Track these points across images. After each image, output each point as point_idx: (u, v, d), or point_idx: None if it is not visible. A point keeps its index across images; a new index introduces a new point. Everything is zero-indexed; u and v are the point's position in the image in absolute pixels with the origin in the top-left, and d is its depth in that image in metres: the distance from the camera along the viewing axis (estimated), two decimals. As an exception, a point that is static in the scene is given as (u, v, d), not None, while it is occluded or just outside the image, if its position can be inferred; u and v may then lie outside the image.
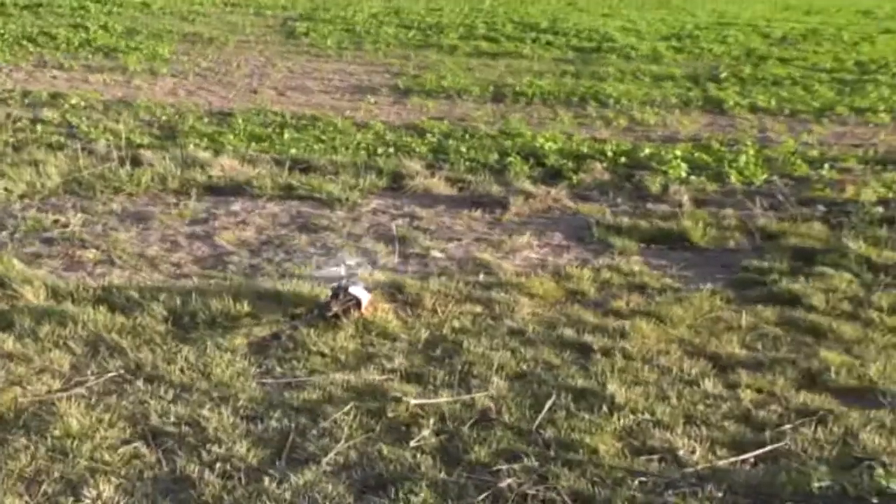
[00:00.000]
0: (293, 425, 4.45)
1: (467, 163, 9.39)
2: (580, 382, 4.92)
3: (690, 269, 6.77)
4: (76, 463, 4.10)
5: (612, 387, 4.85)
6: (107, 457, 4.14)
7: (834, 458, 4.30)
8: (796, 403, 4.78)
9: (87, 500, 3.87)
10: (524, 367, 5.11)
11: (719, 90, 14.07)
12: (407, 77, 14.74)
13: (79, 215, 7.56)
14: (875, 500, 3.96)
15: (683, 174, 9.04)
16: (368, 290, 5.82)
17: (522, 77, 14.83)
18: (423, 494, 3.94)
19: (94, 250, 6.81)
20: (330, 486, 3.98)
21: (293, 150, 9.68)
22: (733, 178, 8.99)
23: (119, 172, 8.57)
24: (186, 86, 13.71)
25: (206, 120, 11.19)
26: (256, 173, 8.75)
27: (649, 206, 8.22)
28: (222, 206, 8.02)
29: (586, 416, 4.57)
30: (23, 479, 4.00)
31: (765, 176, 9.09)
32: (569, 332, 5.54)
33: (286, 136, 10.40)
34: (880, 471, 4.13)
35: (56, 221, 7.40)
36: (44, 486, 3.96)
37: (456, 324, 5.65)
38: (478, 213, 7.98)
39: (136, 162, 9.00)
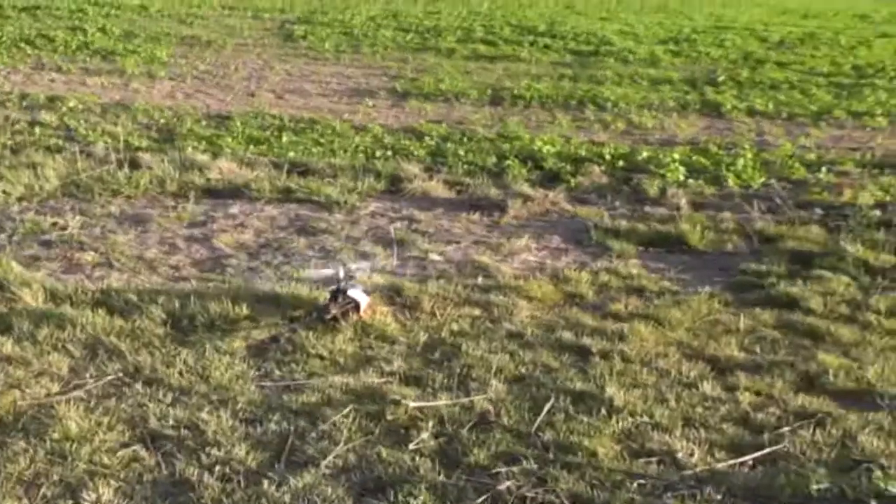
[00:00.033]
0: (292, 428, 4.45)
1: (465, 166, 9.40)
2: (579, 385, 4.92)
3: (688, 273, 6.77)
4: (75, 466, 4.09)
5: (610, 389, 4.85)
6: (106, 460, 4.14)
7: (832, 460, 4.31)
8: (795, 406, 4.79)
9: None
10: (523, 369, 5.12)
11: (717, 94, 14.10)
12: (405, 80, 14.76)
13: (77, 218, 7.56)
14: (873, 503, 3.97)
15: (681, 177, 9.05)
16: (367, 292, 5.82)
17: (520, 80, 14.85)
18: (422, 497, 3.94)
19: (92, 253, 6.81)
20: (329, 489, 3.98)
21: (291, 153, 9.69)
22: (731, 181, 9.00)
23: (117, 175, 8.57)
24: (184, 89, 13.72)
25: (204, 123, 11.19)
26: (255, 176, 8.75)
27: (647, 209, 8.23)
28: (220, 208, 8.02)
29: (585, 419, 4.57)
30: (22, 483, 3.99)
31: (762, 179, 9.10)
32: (567, 335, 5.54)
33: (284, 139, 10.40)
34: (879, 473, 4.13)
35: (54, 224, 7.40)
36: (43, 490, 3.95)
37: (454, 327, 5.65)
38: (476, 217, 7.98)
39: (135, 165, 9.00)
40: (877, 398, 4.90)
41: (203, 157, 9.28)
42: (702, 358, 5.33)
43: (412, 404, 4.64)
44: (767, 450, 4.37)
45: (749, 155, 9.88)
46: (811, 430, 4.54)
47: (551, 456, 4.26)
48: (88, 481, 3.98)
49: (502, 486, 4.02)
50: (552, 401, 4.73)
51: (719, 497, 4.00)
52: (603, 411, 4.64)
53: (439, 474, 4.11)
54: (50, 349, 5.17)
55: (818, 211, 8.19)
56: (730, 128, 11.99)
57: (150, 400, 4.67)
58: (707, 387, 4.96)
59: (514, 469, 4.15)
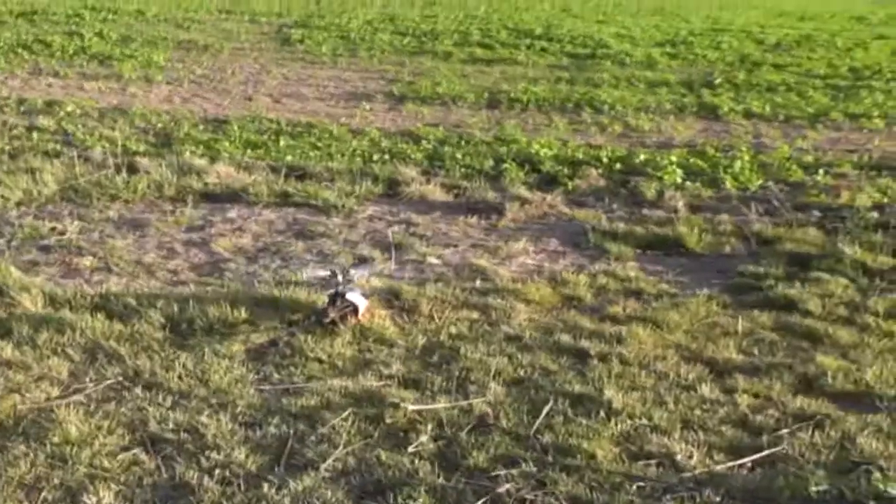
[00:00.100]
0: (291, 431, 4.46)
1: (463, 169, 9.41)
2: (577, 388, 4.93)
3: (686, 275, 6.78)
4: (75, 470, 4.10)
5: (609, 392, 4.86)
6: (106, 463, 4.14)
7: (831, 462, 4.32)
8: (793, 408, 4.80)
9: (87, 507, 3.89)
10: (521, 372, 5.12)
11: (714, 96, 14.11)
12: (402, 84, 14.77)
13: (76, 223, 7.57)
14: (872, 504, 3.99)
15: (679, 180, 9.06)
16: (365, 296, 5.82)
17: (517, 83, 14.86)
18: (421, 500, 3.95)
19: (91, 258, 6.81)
20: (329, 492, 3.99)
21: (289, 157, 9.70)
22: (728, 183, 9.01)
23: (115, 180, 8.58)
24: (182, 93, 13.73)
25: (201, 127, 11.20)
26: (252, 180, 8.76)
27: (645, 211, 8.24)
28: (218, 213, 8.03)
29: (584, 422, 4.58)
30: (23, 487, 4.00)
31: (760, 181, 9.11)
32: (565, 338, 5.55)
33: (282, 143, 10.41)
34: (878, 475, 4.14)
35: (53, 229, 7.41)
36: (43, 493, 3.96)
37: (453, 330, 5.66)
38: (474, 220, 7.99)
39: (133, 169, 9.01)
40: (875, 400, 4.91)
41: (201, 162, 9.29)
42: (700, 360, 5.34)
43: (411, 407, 4.65)
44: (766, 452, 4.38)
45: (746, 157, 9.89)
46: (810, 432, 4.55)
47: (550, 458, 4.27)
48: (89, 485, 3.99)
49: (501, 489, 4.03)
50: (551, 403, 4.74)
51: (718, 499, 4.01)
52: (602, 414, 4.65)
53: (438, 477, 4.11)
54: (49, 353, 5.18)
55: (816, 213, 8.20)
56: (727, 130, 12.00)
57: (149, 404, 4.68)
58: (705, 389, 4.97)
59: (514, 471, 4.16)
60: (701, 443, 4.44)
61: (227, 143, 10.24)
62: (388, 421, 4.56)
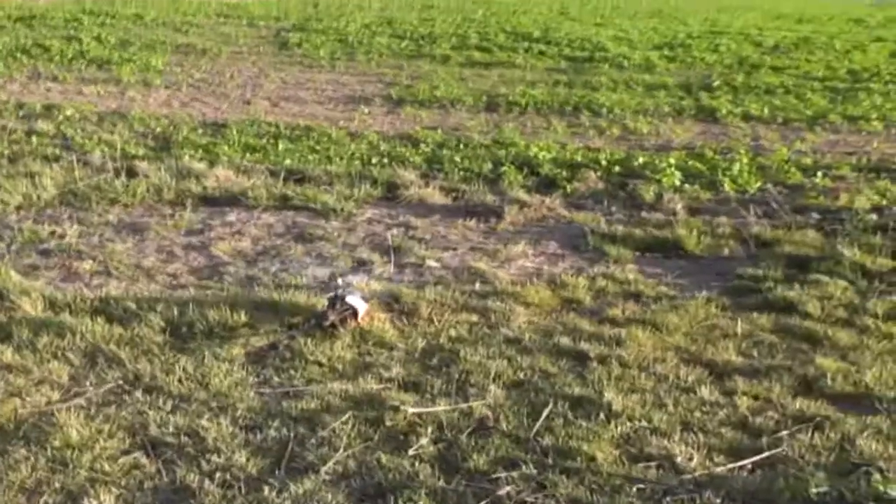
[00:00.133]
0: (292, 434, 4.46)
1: (461, 172, 9.41)
2: (577, 390, 4.93)
3: (685, 278, 6.79)
4: (76, 474, 4.10)
5: (608, 394, 4.86)
6: (107, 467, 4.14)
7: (831, 463, 4.32)
8: (793, 410, 4.80)
9: (87, 511, 3.89)
10: (521, 375, 5.13)
11: (712, 99, 14.14)
12: (400, 87, 14.78)
13: (75, 227, 7.57)
14: (872, 506, 3.99)
15: (677, 183, 9.07)
16: (365, 299, 5.82)
17: (515, 87, 14.88)
18: (421, 503, 3.95)
19: (90, 261, 6.82)
20: (329, 495, 3.99)
21: (287, 161, 9.70)
22: (727, 186, 9.02)
23: (114, 184, 8.59)
24: (180, 97, 13.74)
25: (200, 131, 11.20)
26: (251, 184, 8.76)
27: (643, 214, 8.24)
28: (218, 216, 8.03)
29: (584, 424, 4.58)
30: (23, 490, 4.00)
31: (758, 184, 9.12)
32: (565, 341, 5.55)
33: (280, 146, 10.42)
34: (878, 476, 4.14)
35: (52, 233, 7.41)
36: (44, 497, 3.96)
37: (452, 333, 5.66)
38: (472, 223, 7.99)
39: (132, 173, 9.02)
40: (875, 402, 4.91)
41: (199, 166, 9.30)
42: (699, 362, 5.34)
43: (411, 410, 4.66)
44: (766, 454, 4.38)
45: (745, 160, 9.90)
46: (809, 434, 4.55)
47: (550, 461, 4.27)
48: (89, 489, 3.99)
49: (502, 492, 4.03)
50: (551, 406, 4.74)
51: (718, 501, 4.02)
52: (601, 416, 4.65)
53: (439, 480, 4.12)
54: (50, 357, 5.18)
55: (815, 215, 8.21)
56: (725, 133, 12.01)
57: (150, 407, 4.68)
58: (705, 391, 4.97)
59: (514, 474, 4.16)
60: (701, 445, 4.44)
61: (225, 147, 10.25)
62: (389, 424, 4.56)
